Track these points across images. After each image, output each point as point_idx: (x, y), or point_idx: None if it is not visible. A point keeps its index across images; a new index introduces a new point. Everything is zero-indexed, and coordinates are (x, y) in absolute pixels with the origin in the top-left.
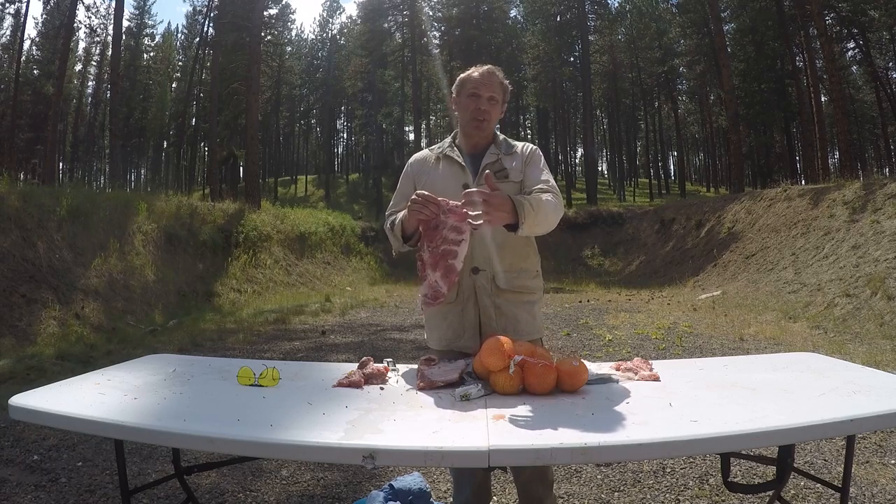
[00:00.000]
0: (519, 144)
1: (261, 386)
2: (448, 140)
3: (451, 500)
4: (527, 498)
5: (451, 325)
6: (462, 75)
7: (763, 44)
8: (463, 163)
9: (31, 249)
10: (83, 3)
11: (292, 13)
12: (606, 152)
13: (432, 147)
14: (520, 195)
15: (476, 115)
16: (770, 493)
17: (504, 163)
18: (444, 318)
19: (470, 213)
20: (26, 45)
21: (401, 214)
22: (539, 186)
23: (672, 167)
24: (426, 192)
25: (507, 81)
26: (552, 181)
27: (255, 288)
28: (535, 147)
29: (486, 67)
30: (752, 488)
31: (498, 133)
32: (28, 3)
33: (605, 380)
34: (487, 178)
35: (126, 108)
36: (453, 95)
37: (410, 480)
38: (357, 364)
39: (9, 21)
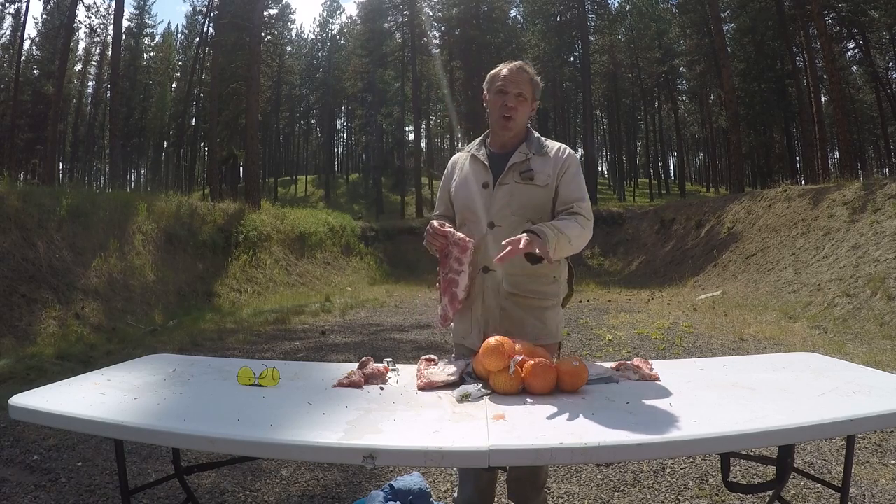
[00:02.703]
0: (553, 146)
1: (261, 386)
2: (479, 139)
3: (452, 500)
4: (513, 494)
5: (461, 322)
6: (492, 71)
7: (763, 44)
8: (486, 162)
9: (31, 249)
10: (83, 3)
11: (292, 13)
12: (606, 152)
13: (467, 146)
14: (544, 226)
15: (503, 111)
16: (770, 493)
17: (532, 164)
18: (461, 314)
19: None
20: (26, 45)
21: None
22: (570, 208)
23: (672, 167)
24: (436, 224)
25: (538, 78)
26: (585, 196)
27: (255, 288)
28: (570, 153)
29: (515, 63)
30: (752, 488)
31: (532, 131)
32: (28, 3)
33: (605, 380)
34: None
35: (126, 108)
36: (484, 92)
37: (410, 480)
38: (357, 364)
39: (9, 21)
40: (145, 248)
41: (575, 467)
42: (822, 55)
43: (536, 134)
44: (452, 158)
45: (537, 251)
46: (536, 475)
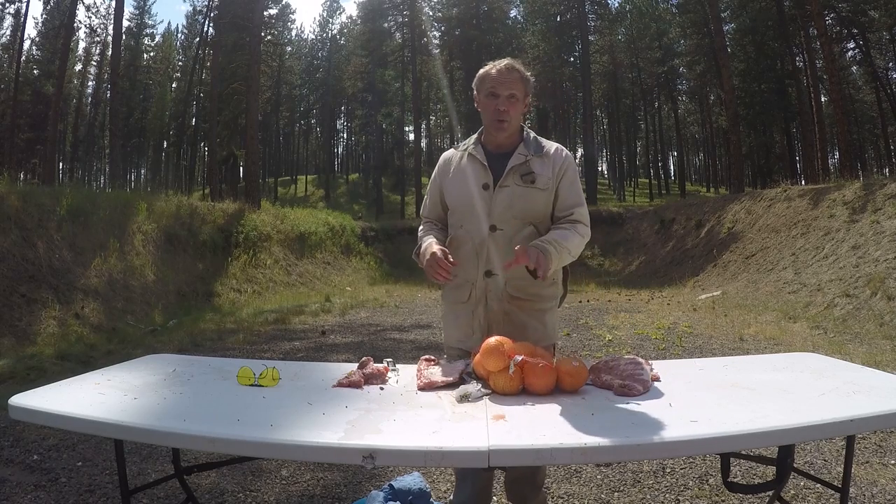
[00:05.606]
0: (550, 146)
1: (261, 386)
2: (474, 137)
3: (451, 499)
4: (512, 494)
5: (460, 326)
6: (481, 72)
7: (763, 44)
8: (485, 162)
9: (31, 249)
10: (83, 3)
11: (292, 13)
12: (606, 152)
13: (459, 145)
14: (548, 243)
15: (495, 115)
16: (770, 493)
17: (532, 165)
18: (457, 317)
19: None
20: (26, 45)
21: (426, 244)
22: (570, 215)
23: (672, 167)
24: (440, 254)
25: (528, 74)
26: (583, 200)
27: (254, 288)
28: (567, 154)
29: (504, 63)
30: (752, 488)
31: (528, 130)
32: (28, 3)
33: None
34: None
35: (126, 108)
36: (474, 92)
37: (410, 480)
38: (357, 364)
39: (9, 21)
40: (145, 248)
41: (575, 467)
42: (822, 55)
43: (532, 134)
44: (445, 156)
45: (539, 273)
46: (535, 475)
